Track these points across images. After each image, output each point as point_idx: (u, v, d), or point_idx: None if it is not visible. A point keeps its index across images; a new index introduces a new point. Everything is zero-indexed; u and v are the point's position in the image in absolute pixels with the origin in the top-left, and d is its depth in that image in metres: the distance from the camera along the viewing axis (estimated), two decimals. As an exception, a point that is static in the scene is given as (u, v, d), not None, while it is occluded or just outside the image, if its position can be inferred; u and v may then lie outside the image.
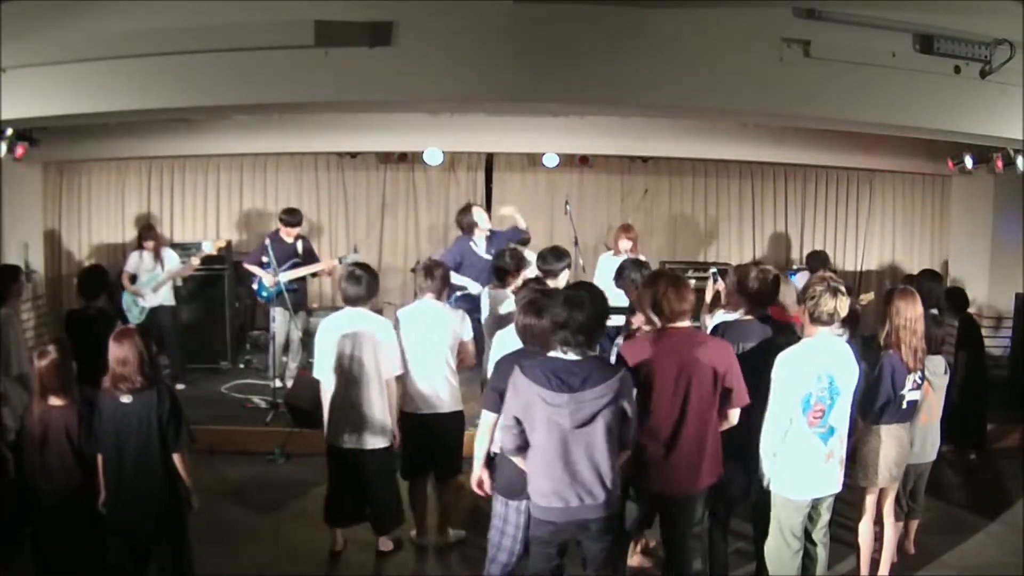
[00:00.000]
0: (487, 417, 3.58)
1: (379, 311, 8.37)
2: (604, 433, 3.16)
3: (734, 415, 3.71)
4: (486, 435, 3.60)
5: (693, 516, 3.80)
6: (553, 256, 5.29)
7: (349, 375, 4.46)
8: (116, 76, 4.86)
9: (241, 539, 4.95)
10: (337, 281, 6.32)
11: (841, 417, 3.75)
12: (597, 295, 3.36)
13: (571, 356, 3.19)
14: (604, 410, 3.13)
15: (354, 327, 4.48)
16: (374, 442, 4.50)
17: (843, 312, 3.68)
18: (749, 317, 4.15)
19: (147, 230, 7.81)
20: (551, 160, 9.03)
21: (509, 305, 5.00)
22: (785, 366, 3.68)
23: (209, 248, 7.72)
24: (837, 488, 3.87)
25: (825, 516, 3.92)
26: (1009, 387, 7.29)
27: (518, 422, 3.23)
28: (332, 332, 4.51)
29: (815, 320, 3.69)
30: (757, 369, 3.87)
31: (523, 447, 3.26)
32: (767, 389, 3.88)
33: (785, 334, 4.01)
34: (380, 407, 4.49)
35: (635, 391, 3.34)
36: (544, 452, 3.19)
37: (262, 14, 4.65)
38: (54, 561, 3.82)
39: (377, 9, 4.66)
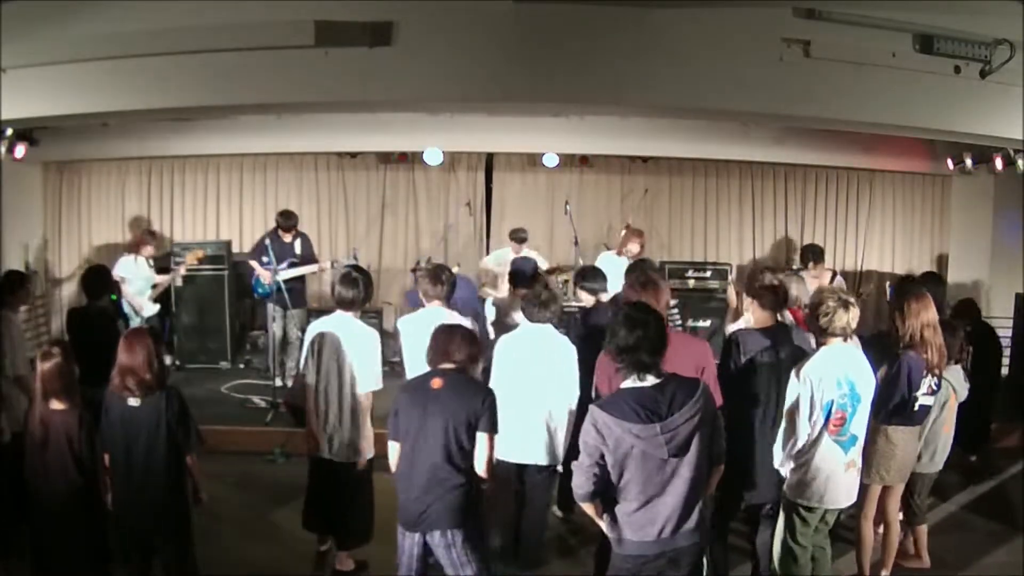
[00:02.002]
0: (393, 446, 3.47)
1: (378, 311, 8.52)
2: (702, 455, 2.92)
3: None
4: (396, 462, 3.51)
5: None
6: (598, 276, 5.02)
7: (327, 385, 4.27)
8: (116, 76, 4.86)
9: (240, 539, 4.94)
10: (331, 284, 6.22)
11: (860, 425, 3.73)
12: (654, 311, 3.14)
13: (650, 380, 2.93)
14: (699, 431, 2.89)
15: (340, 335, 4.25)
16: (350, 455, 4.31)
17: (854, 324, 3.68)
18: (760, 325, 4.05)
19: (149, 235, 7.75)
20: (551, 160, 9.01)
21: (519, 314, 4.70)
22: (808, 374, 3.63)
23: (190, 258, 7.61)
24: (853, 499, 3.85)
25: (831, 520, 3.90)
26: (1009, 387, 7.28)
27: (596, 463, 2.93)
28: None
29: (829, 334, 3.67)
30: (767, 377, 3.87)
31: (598, 492, 2.98)
32: (774, 398, 3.86)
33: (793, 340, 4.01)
34: (353, 422, 4.28)
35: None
36: (643, 487, 2.91)
37: (262, 14, 4.65)
38: (52, 561, 3.81)
39: (377, 9, 4.66)
